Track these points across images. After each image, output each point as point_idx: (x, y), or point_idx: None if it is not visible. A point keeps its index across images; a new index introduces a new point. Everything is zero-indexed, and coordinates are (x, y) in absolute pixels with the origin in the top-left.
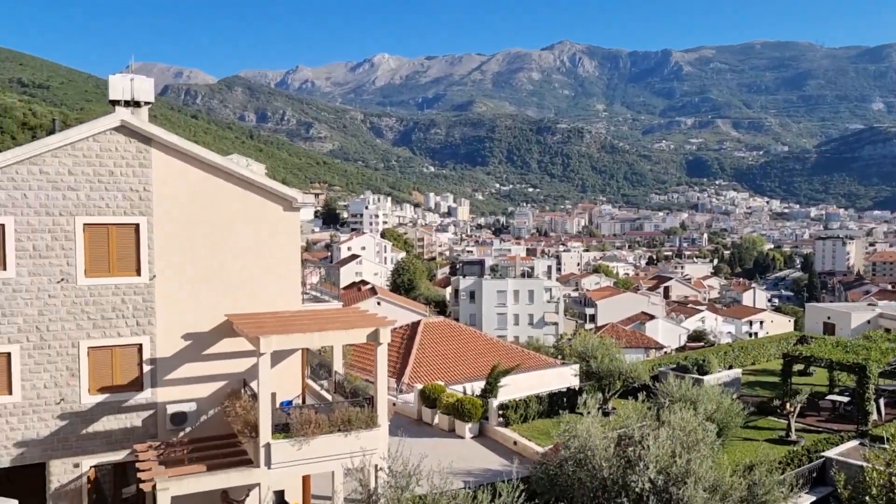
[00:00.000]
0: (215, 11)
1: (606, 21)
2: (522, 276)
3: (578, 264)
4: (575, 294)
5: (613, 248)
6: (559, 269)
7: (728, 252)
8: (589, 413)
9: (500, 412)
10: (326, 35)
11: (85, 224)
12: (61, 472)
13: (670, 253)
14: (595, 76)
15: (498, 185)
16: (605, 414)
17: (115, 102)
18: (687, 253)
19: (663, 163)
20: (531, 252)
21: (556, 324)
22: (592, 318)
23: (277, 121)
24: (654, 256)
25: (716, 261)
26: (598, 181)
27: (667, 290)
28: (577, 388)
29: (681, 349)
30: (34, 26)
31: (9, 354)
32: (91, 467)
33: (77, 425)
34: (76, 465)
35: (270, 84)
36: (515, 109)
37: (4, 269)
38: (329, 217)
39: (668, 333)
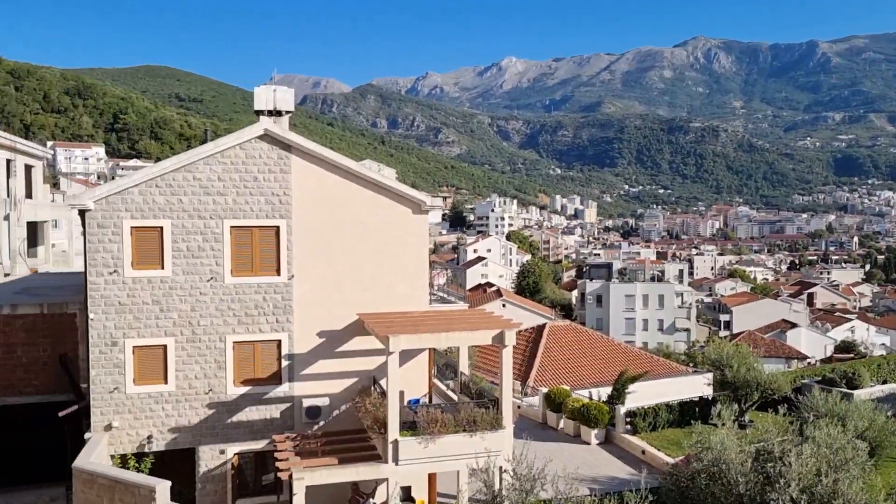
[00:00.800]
0: (351, 23)
1: (745, 14)
2: (652, 279)
3: (712, 268)
4: (708, 299)
5: (751, 252)
6: (691, 274)
7: (882, 257)
8: (724, 424)
9: (628, 419)
10: (455, 41)
11: (232, 227)
12: (209, 458)
13: (815, 257)
14: (732, 72)
15: (627, 187)
16: (742, 426)
17: (259, 112)
18: (834, 257)
19: (807, 161)
20: (662, 255)
21: (687, 330)
22: (727, 325)
23: (407, 126)
24: (797, 261)
25: (867, 266)
26: (735, 182)
27: (811, 296)
28: (710, 398)
29: (827, 360)
30: (191, 45)
31: (165, 346)
32: (234, 454)
33: (223, 414)
34: (222, 452)
35: (401, 91)
36: (646, 109)
37: (162, 267)
38: (456, 220)
39: (812, 343)
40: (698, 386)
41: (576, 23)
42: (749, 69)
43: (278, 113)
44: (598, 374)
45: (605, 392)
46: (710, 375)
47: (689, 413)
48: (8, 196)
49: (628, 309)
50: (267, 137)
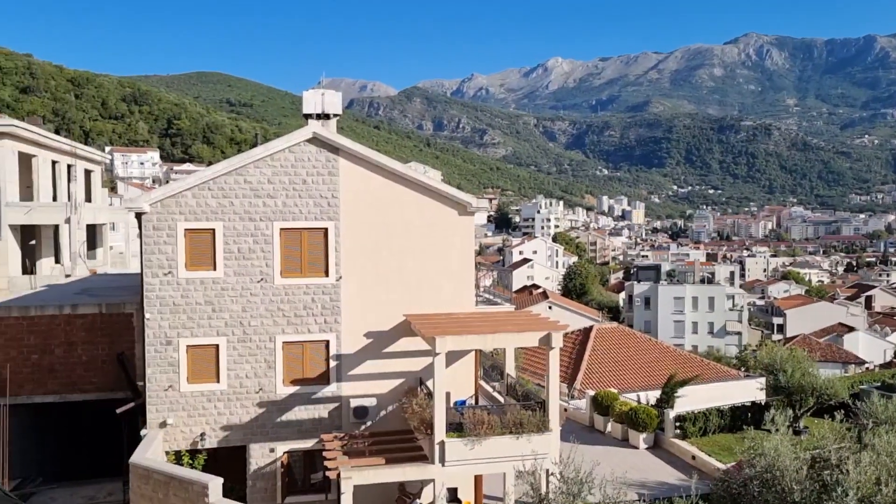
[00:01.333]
0: (397, 27)
1: (798, 9)
2: (702, 281)
3: (765, 270)
4: (760, 302)
5: (805, 254)
6: (743, 276)
7: None
8: (777, 430)
9: (677, 424)
10: (500, 42)
11: (281, 228)
12: (259, 456)
13: (874, 259)
14: (785, 68)
15: (675, 187)
16: (796, 432)
17: (307, 116)
18: (893, 259)
19: (865, 160)
20: (712, 257)
21: (738, 333)
22: (780, 329)
23: (453, 128)
24: (854, 263)
25: None
26: (788, 181)
27: (869, 299)
28: (763, 403)
29: (886, 366)
30: (241, 51)
31: (217, 346)
32: (284, 452)
33: (273, 413)
34: (272, 450)
35: (447, 93)
36: (695, 108)
37: (215, 269)
38: (501, 221)
39: (870, 348)
40: (750, 390)
41: (623, 22)
42: (803, 65)
43: (326, 116)
44: (646, 378)
45: (653, 396)
46: (762, 380)
47: (740, 418)
48: (69, 200)
49: (677, 311)
50: (315, 141)
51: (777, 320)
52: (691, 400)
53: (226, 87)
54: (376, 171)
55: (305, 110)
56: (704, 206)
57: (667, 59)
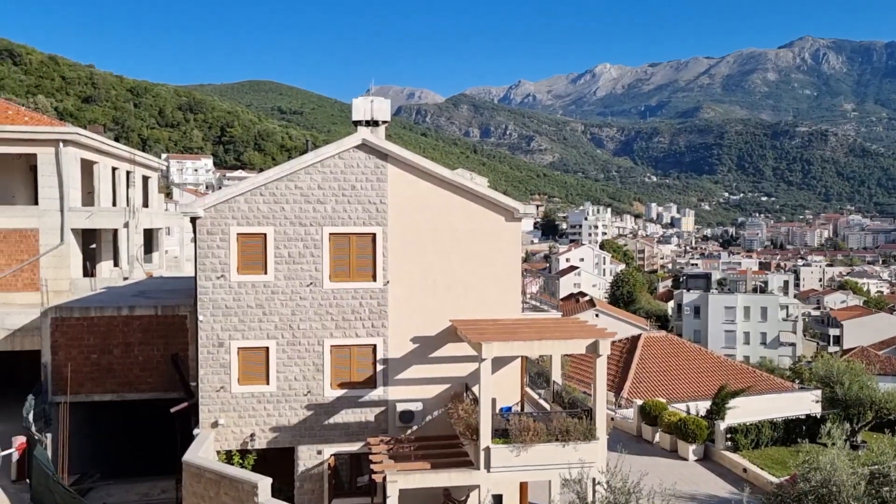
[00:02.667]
0: (445, 35)
1: (856, 12)
2: (754, 291)
3: (820, 280)
4: (816, 313)
5: (863, 263)
6: (797, 285)
7: None
8: (834, 444)
9: (729, 435)
10: (548, 49)
11: (330, 233)
12: (307, 457)
13: None
14: (842, 73)
15: (727, 195)
16: (854, 447)
17: (357, 123)
18: None
19: None
20: (765, 266)
21: (793, 344)
22: (837, 340)
23: (500, 135)
24: None
25: None
26: (846, 188)
27: None
28: (818, 416)
29: None
30: (292, 60)
31: (267, 349)
32: (331, 455)
33: (321, 416)
34: (319, 452)
35: (494, 100)
36: (747, 113)
37: (265, 272)
38: (548, 228)
39: None
40: (805, 403)
41: (673, 26)
42: (862, 69)
43: (375, 123)
44: (695, 388)
45: (702, 406)
46: (818, 392)
47: (794, 431)
48: (127, 205)
49: (728, 321)
50: (364, 147)
51: (833, 331)
52: (743, 412)
53: (277, 96)
54: (424, 177)
55: (355, 117)
56: (757, 214)
57: (718, 63)
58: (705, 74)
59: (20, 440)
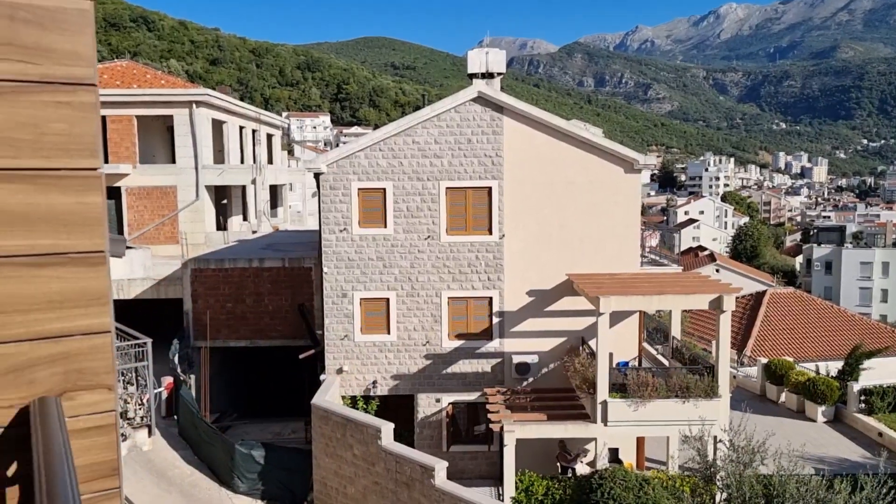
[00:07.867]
0: None
1: None
2: (894, 245)
3: None
4: None
5: None
6: None
7: None
8: None
9: (862, 398)
10: None
11: (447, 188)
12: (426, 405)
13: None
14: None
15: (866, 141)
16: None
17: (472, 76)
18: None
19: None
20: None
21: None
22: None
23: (615, 84)
24: None
25: None
26: None
27: None
28: None
29: None
30: (405, 15)
31: (388, 300)
32: (449, 403)
33: (439, 366)
34: (437, 400)
35: (609, 48)
36: (893, 51)
37: (385, 226)
38: (665, 180)
39: None
40: None
41: None
42: None
43: (490, 75)
44: (825, 348)
45: (833, 366)
46: None
47: None
48: (254, 162)
49: (864, 277)
50: (480, 100)
51: None
52: (879, 373)
53: (390, 51)
54: (540, 129)
55: (470, 70)
56: None
57: None
58: (844, 10)
59: (168, 380)
